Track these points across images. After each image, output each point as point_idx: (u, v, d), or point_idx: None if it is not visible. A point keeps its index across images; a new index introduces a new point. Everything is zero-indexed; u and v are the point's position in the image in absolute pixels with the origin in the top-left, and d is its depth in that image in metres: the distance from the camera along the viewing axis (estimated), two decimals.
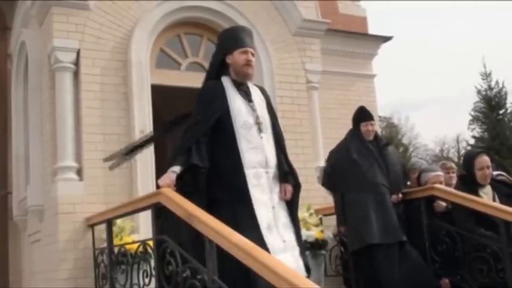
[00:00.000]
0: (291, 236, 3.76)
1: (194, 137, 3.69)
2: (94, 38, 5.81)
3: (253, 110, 3.82)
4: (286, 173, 3.88)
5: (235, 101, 3.79)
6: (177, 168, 3.65)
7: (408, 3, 51.46)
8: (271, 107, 4.03)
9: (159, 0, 6.13)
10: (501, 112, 25.09)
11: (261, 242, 3.39)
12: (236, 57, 3.84)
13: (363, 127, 5.43)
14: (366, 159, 5.28)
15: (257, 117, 3.80)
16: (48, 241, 5.57)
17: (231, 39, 3.91)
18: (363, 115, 5.50)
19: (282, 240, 3.65)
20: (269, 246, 3.47)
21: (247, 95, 3.87)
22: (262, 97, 3.98)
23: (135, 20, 6.03)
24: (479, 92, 25.50)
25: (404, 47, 49.26)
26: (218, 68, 3.93)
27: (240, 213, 3.61)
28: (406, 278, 4.93)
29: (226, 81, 3.87)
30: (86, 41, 5.77)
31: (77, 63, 5.75)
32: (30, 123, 6.33)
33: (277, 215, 3.73)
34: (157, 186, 3.70)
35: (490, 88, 25.27)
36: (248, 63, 3.85)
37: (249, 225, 3.51)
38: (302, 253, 3.79)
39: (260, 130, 3.79)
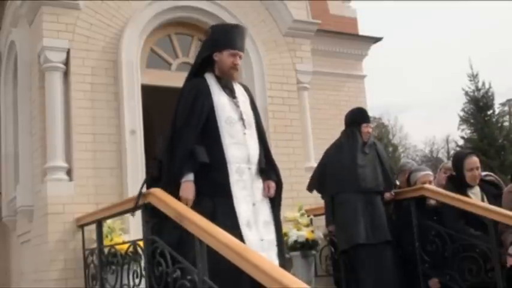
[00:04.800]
0: (270, 235, 3.77)
1: (192, 139, 3.69)
2: (84, 38, 5.79)
3: (237, 106, 3.84)
4: (266, 170, 3.89)
5: (219, 97, 3.81)
6: (191, 176, 3.66)
7: (395, 4, 51.73)
8: (254, 105, 4.05)
9: (149, 0, 6.12)
10: (489, 113, 25.25)
11: (240, 239, 3.40)
12: (224, 58, 3.84)
13: (364, 128, 5.41)
14: (359, 159, 5.28)
15: (241, 113, 3.82)
16: (38, 241, 5.54)
17: (223, 37, 3.89)
18: (364, 116, 5.50)
19: (260, 239, 3.67)
20: (247, 243, 3.48)
21: (231, 92, 3.88)
22: (245, 95, 4.00)
23: (126, 19, 6.01)
24: (466, 93, 25.66)
25: (393, 49, 49.44)
26: (202, 62, 3.92)
27: (219, 209, 3.63)
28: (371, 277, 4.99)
29: (210, 78, 3.87)
30: (75, 41, 5.75)
31: (67, 63, 5.73)
32: (19, 123, 6.30)
33: (257, 212, 3.74)
34: (179, 198, 3.68)
35: (478, 89, 25.44)
36: (234, 67, 3.86)
37: (228, 222, 3.52)
38: (280, 253, 3.80)
39: (244, 126, 3.80)
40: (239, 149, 3.74)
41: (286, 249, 4.18)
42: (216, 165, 3.69)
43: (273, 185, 3.90)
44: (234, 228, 3.50)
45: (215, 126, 3.74)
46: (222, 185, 3.66)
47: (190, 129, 3.72)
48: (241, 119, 3.81)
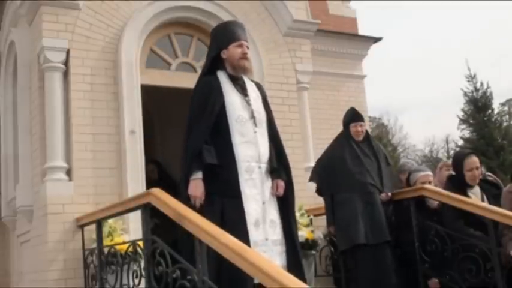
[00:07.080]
0: (276, 235, 3.77)
1: (201, 137, 3.70)
2: (84, 38, 5.78)
3: (249, 104, 3.83)
4: (277, 169, 3.90)
5: (230, 95, 3.81)
6: (200, 174, 3.67)
7: (395, 4, 51.74)
8: (267, 103, 4.04)
9: (149, 0, 6.11)
10: (488, 113, 25.26)
11: (245, 238, 3.41)
12: (232, 51, 3.85)
13: (352, 128, 5.47)
14: (355, 160, 5.32)
15: (252, 112, 3.82)
16: (38, 242, 5.54)
17: (225, 33, 3.92)
18: (352, 116, 5.54)
19: (264, 238, 3.67)
20: (252, 243, 3.51)
21: (242, 90, 3.87)
22: (258, 92, 3.99)
23: (125, 19, 6.01)
24: (465, 94, 25.69)
25: (393, 49, 49.44)
26: (213, 63, 3.92)
27: (228, 207, 3.64)
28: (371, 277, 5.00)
29: (221, 75, 3.88)
30: (75, 41, 5.74)
31: (66, 63, 5.72)
32: (19, 123, 6.29)
33: (267, 211, 3.75)
34: (187, 197, 3.69)
35: (476, 90, 25.46)
36: (244, 56, 3.87)
37: (236, 220, 3.53)
38: (291, 252, 3.79)
39: (255, 124, 3.80)
40: (249, 148, 3.76)
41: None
42: (226, 164, 3.70)
43: (281, 184, 3.90)
44: (242, 227, 3.52)
45: (226, 124, 3.75)
46: (231, 184, 3.68)
47: (201, 128, 3.72)
48: (252, 117, 3.82)
